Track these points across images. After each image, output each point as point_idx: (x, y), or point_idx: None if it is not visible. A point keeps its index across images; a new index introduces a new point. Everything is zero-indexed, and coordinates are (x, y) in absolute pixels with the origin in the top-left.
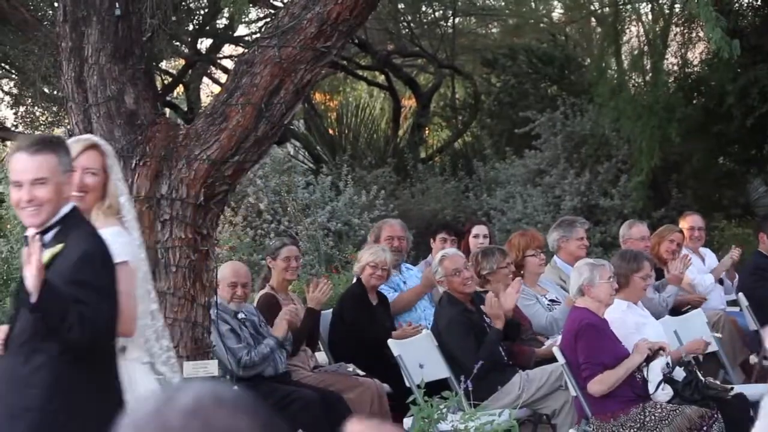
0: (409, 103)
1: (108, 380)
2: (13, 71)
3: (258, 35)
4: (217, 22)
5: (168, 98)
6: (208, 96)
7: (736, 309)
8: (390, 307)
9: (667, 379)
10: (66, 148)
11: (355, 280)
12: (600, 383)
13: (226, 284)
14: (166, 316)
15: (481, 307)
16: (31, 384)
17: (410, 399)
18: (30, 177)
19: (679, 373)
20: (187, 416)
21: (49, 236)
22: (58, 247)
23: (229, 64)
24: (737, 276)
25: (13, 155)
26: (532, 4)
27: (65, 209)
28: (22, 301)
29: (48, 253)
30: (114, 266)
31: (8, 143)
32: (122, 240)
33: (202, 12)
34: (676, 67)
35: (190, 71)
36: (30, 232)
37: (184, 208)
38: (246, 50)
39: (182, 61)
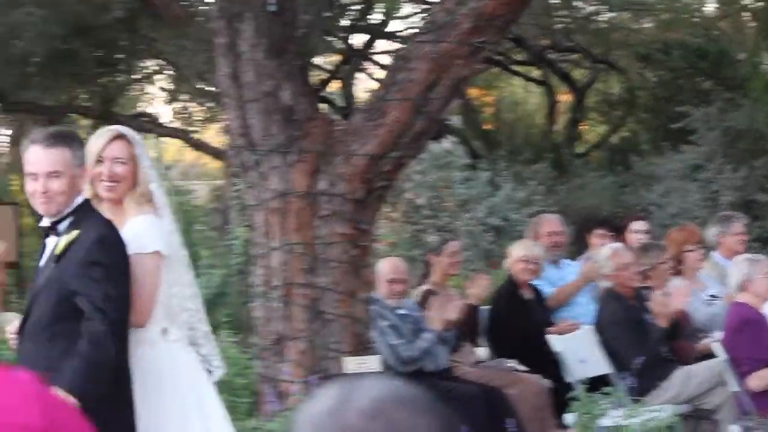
0: (564, 98)
1: (126, 360)
2: (168, 68)
3: (411, 30)
4: (371, 17)
5: (323, 94)
6: (364, 92)
7: None
8: (547, 301)
9: None
10: (79, 142)
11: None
12: (759, 379)
13: (385, 280)
14: (327, 312)
15: (647, 304)
16: (60, 368)
17: (571, 394)
18: (45, 170)
19: None
20: (368, 416)
21: (63, 225)
22: (74, 233)
23: (383, 59)
24: None
25: (28, 147)
26: None
27: (78, 200)
28: (38, 289)
29: (64, 240)
30: (125, 251)
31: (164, 140)
32: (155, 229)
33: (355, 8)
34: None
35: (345, 67)
36: (44, 222)
37: (343, 203)
38: (402, 46)
39: (337, 57)
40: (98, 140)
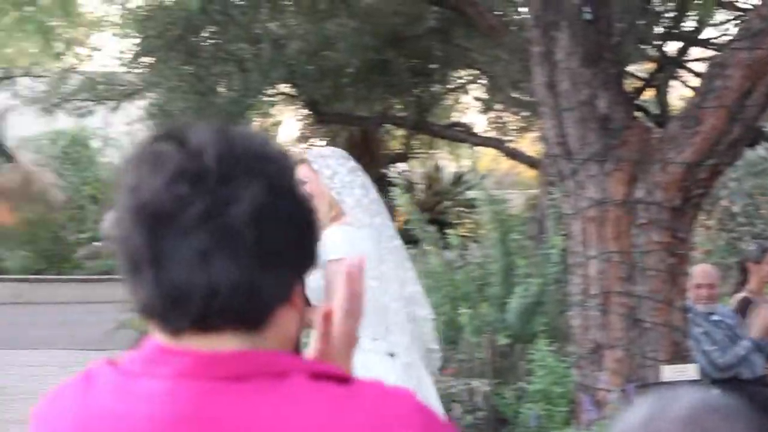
0: None
1: None
2: (482, 77)
3: (726, 37)
4: (684, 25)
5: (637, 102)
6: (678, 99)
7: None
8: None
9: None
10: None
11: None
12: None
13: (693, 286)
14: (644, 320)
15: None
16: None
17: None
18: None
19: None
20: (682, 425)
21: None
22: None
23: (696, 66)
24: None
25: None
26: None
27: None
28: None
29: None
30: None
31: (478, 149)
32: (339, 237)
33: (669, 15)
34: None
35: (659, 74)
36: None
37: (660, 212)
38: (716, 53)
39: (651, 65)
40: None
